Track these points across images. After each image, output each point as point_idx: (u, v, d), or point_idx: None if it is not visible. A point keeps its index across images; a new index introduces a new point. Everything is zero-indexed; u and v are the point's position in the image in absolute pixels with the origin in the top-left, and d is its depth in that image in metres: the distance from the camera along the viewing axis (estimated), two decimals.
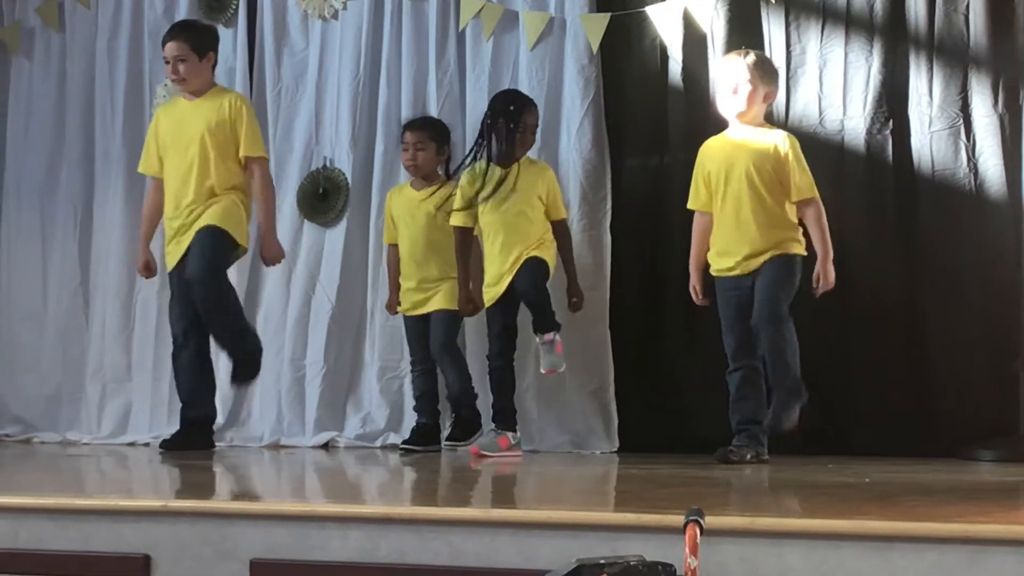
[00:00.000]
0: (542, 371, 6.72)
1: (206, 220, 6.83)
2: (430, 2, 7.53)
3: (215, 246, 6.86)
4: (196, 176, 6.85)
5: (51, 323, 8.24)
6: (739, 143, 6.27)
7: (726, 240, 6.26)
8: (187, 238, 6.85)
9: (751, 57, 6.32)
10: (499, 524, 3.86)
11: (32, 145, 8.36)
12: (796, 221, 6.21)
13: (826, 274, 6.12)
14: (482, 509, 4.31)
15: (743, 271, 6.20)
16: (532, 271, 6.71)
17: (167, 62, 7.01)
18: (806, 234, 6.20)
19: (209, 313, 6.86)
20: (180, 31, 7.11)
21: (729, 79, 6.31)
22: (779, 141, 6.22)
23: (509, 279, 6.72)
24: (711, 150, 6.37)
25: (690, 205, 6.41)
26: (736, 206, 6.21)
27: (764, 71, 6.34)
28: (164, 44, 7.07)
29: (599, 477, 5.77)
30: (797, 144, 6.23)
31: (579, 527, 3.78)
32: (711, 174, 6.31)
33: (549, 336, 6.65)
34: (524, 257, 6.70)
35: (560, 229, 6.83)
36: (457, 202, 6.86)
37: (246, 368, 6.94)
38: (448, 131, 7.22)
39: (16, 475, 6.17)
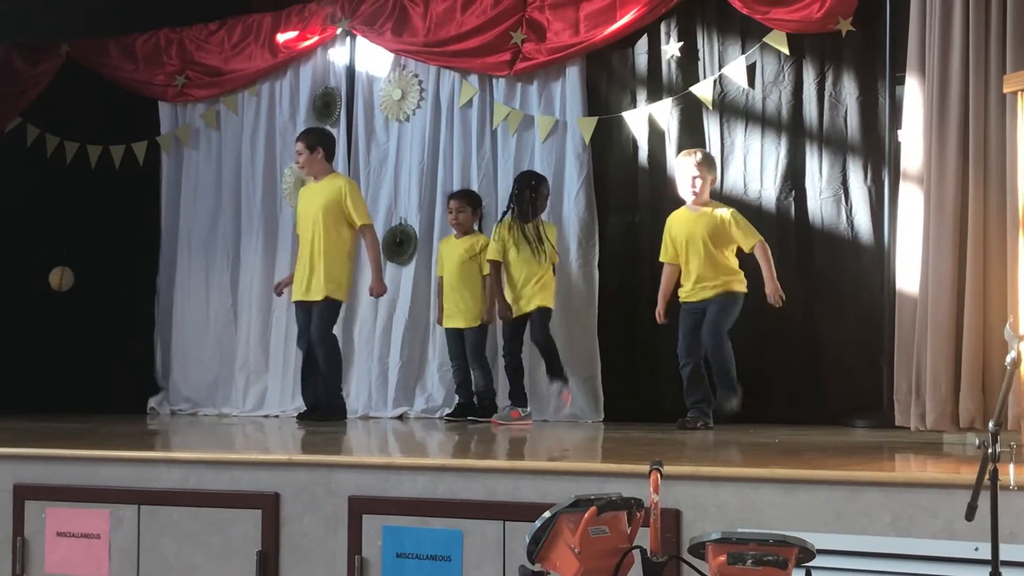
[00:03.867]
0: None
1: (324, 291, 6.73)
2: (472, 109, 7.50)
3: (331, 317, 6.83)
4: (315, 238, 6.80)
5: (211, 331, 8.24)
6: (696, 217, 6.19)
7: (690, 282, 6.18)
8: (311, 285, 6.76)
9: (698, 156, 6.26)
10: (521, 471, 3.88)
11: (198, 209, 8.36)
12: (737, 266, 6.15)
13: (775, 289, 6.05)
14: (509, 461, 4.30)
15: (697, 298, 6.14)
16: (542, 319, 6.61)
17: (297, 154, 7.03)
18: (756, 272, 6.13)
19: (326, 366, 6.81)
20: (301, 135, 7.13)
21: (685, 173, 6.23)
22: (724, 213, 6.17)
23: (527, 308, 6.60)
24: (676, 221, 6.28)
25: (660, 259, 6.37)
26: (696, 259, 6.15)
27: (708, 164, 6.27)
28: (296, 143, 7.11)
29: (590, 439, 5.75)
30: (737, 213, 6.20)
31: (577, 473, 3.80)
32: (675, 238, 6.25)
33: (556, 385, 6.58)
34: (536, 303, 6.59)
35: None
36: (492, 244, 6.76)
37: (329, 412, 6.80)
38: (480, 199, 7.16)
39: (187, 437, 6.20)
